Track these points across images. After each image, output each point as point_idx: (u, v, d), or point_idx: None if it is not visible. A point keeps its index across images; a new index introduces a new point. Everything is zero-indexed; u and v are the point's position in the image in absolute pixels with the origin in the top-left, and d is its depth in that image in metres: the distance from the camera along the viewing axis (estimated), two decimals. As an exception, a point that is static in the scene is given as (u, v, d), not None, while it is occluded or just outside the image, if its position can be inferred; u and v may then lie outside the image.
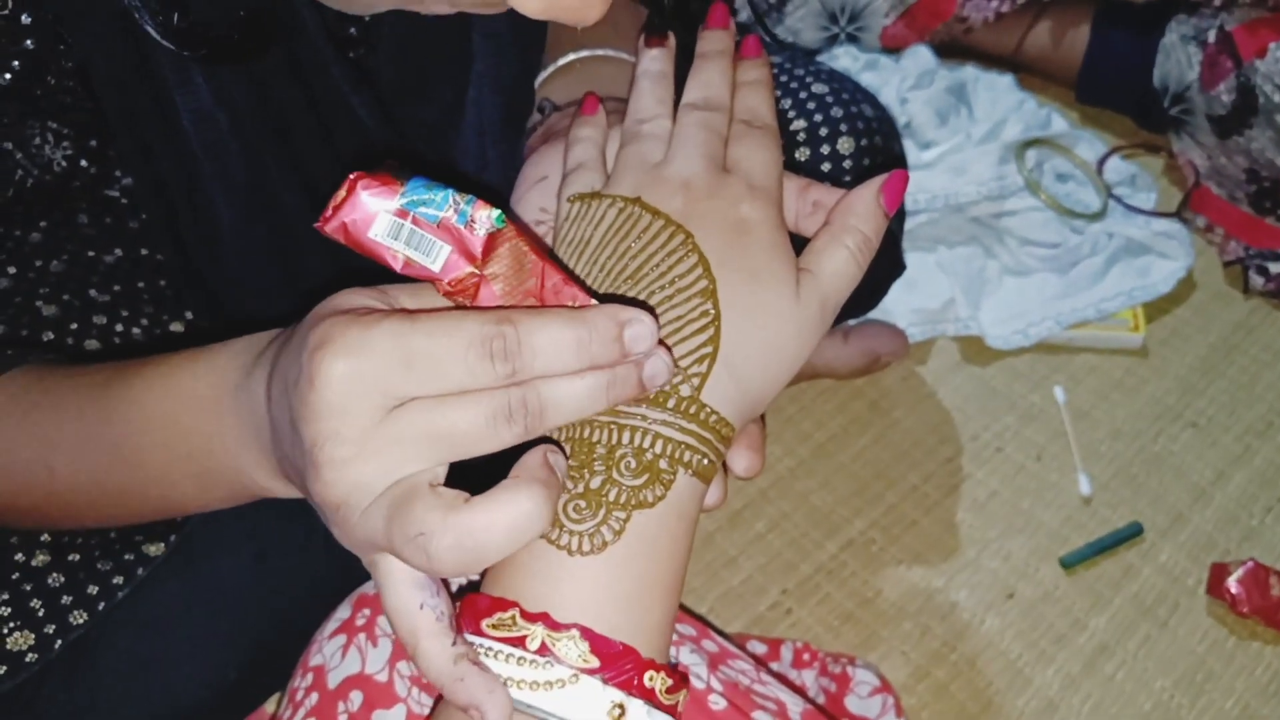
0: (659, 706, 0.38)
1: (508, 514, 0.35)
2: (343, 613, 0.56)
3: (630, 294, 0.43)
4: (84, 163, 0.60)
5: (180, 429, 0.46)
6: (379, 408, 0.36)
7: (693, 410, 0.41)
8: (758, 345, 0.42)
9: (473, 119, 0.66)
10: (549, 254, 0.40)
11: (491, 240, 0.38)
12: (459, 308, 0.39)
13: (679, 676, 0.39)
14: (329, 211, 0.37)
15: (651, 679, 0.38)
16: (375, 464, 0.36)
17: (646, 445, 0.40)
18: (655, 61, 0.50)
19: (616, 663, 0.38)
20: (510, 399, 0.36)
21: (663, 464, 0.40)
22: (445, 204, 0.37)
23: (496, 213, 0.38)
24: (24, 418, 0.51)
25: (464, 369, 0.36)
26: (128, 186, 0.66)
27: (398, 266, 0.38)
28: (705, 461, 0.41)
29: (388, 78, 0.62)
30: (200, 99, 0.55)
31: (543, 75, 0.59)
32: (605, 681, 0.37)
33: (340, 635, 0.55)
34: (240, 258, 0.63)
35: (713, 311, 0.42)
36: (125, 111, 0.55)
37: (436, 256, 0.37)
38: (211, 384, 0.45)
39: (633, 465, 0.40)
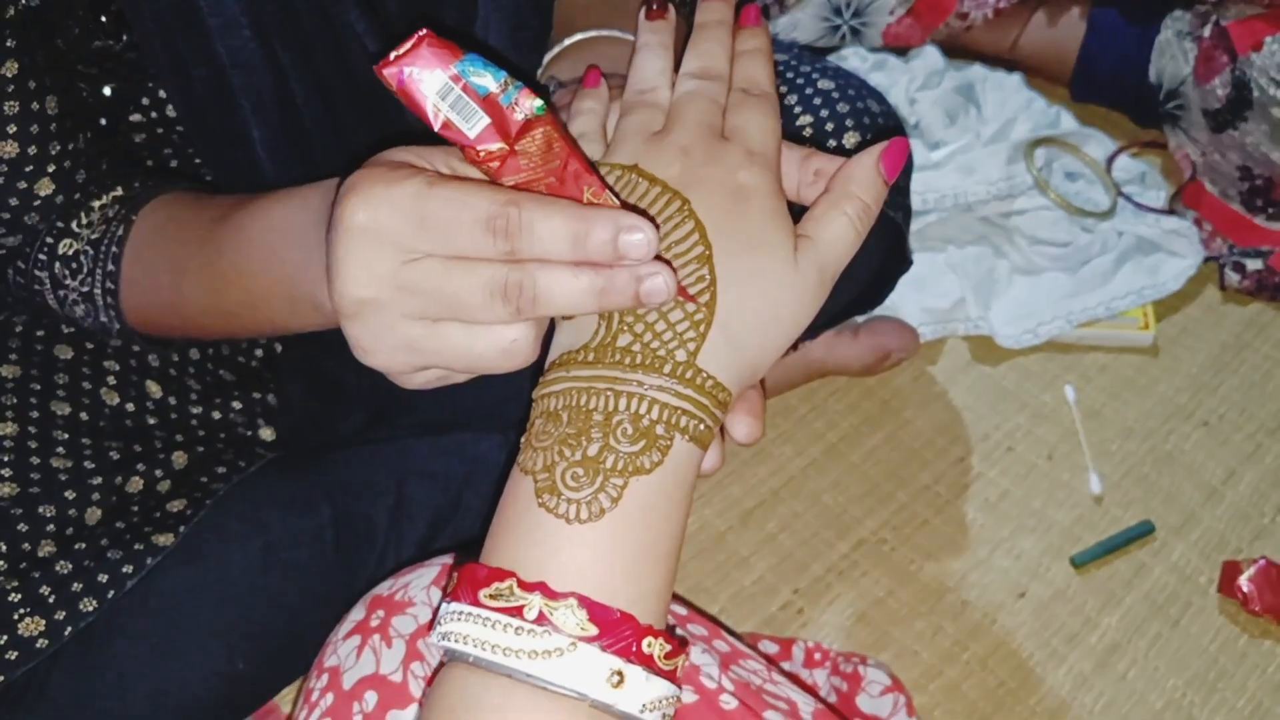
0: (657, 672, 0.38)
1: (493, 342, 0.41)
2: (357, 614, 0.56)
3: None
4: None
5: (276, 257, 0.52)
6: (393, 258, 0.40)
7: (689, 375, 0.40)
8: (755, 311, 0.42)
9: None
10: (579, 150, 0.42)
11: (528, 125, 0.40)
12: (485, 177, 0.42)
13: (677, 642, 0.39)
14: (391, 56, 0.39)
15: (649, 645, 0.38)
16: (389, 309, 0.40)
17: (643, 411, 0.40)
18: (655, 34, 0.50)
19: (615, 630, 0.37)
20: (508, 276, 0.39)
21: (659, 430, 0.40)
22: (496, 82, 0.40)
23: (539, 102, 0.40)
24: (163, 248, 0.59)
25: (469, 239, 0.39)
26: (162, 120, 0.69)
27: (436, 125, 0.40)
28: (702, 427, 0.41)
29: (394, 8, 0.65)
30: (226, 6, 0.60)
31: (549, 56, 0.60)
32: (604, 649, 0.37)
33: (355, 636, 0.55)
34: (272, 176, 0.67)
35: (709, 277, 0.42)
36: (155, 19, 0.60)
37: (475, 125, 0.40)
38: (301, 218, 0.50)
39: (629, 432, 0.39)
